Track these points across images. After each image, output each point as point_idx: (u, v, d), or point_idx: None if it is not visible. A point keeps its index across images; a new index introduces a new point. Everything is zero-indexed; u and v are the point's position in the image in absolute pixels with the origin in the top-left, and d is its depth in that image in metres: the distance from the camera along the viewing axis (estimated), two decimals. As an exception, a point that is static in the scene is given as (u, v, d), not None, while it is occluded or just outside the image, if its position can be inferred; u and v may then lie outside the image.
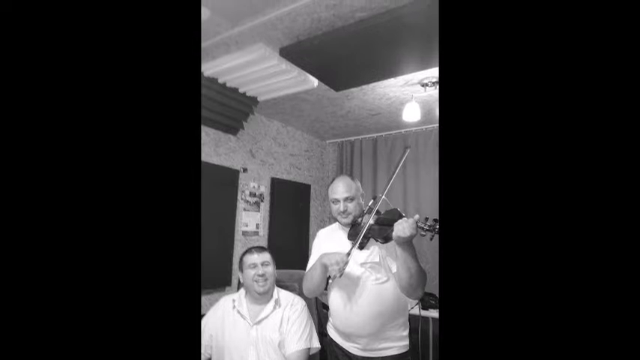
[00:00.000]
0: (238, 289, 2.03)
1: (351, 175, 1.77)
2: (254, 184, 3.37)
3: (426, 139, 3.64)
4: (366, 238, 1.54)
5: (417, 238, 1.34)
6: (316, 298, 2.10)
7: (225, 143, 3.11)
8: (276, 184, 3.61)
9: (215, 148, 3.01)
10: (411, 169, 3.66)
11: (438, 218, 1.27)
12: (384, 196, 1.55)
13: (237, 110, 2.92)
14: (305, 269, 1.74)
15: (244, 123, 3.14)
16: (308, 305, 1.90)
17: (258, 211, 3.40)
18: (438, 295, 3.06)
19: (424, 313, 2.89)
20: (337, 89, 2.65)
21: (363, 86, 2.68)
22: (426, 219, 1.33)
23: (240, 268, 1.89)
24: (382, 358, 1.56)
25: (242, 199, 3.23)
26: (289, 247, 3.66)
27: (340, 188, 1.64)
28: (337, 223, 1.74)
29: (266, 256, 1.87)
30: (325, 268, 1.48)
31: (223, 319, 1.83)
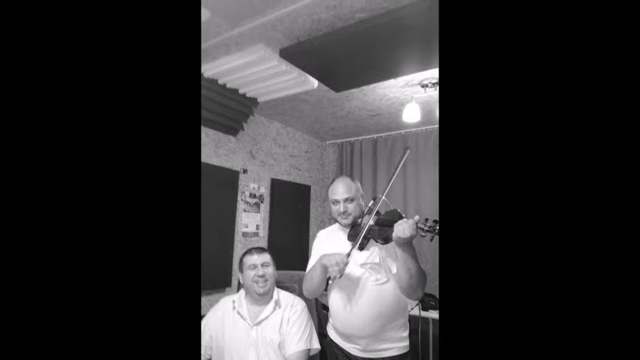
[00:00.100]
0: (238, 290, 2.03)
1: (351, 176, 1.77)
2: (254, 185, 3.37)
3: (426, 140, 3.64)
4: (366, 238, 1.54)
5: (417, 239, 1.34)
6: (316, 299, 2.10)
7: (225, 144, 3.11)
8: (276, 185, 3.60)
9: (215, 149, 3.01)
10: (411, 170, 3.66)
11: (437, 219, 1.27)
12: (384, 197, 1.55)
13: (237, 111, 2.92)
14: (305, 270, 1.74)
15: (244, 124, 3.14)
16: (308, 306, 1.90)
17: (258, 212, 3.40)
18: (438, 296, 3.06)
19: (424, 314, 2.89)
20: (337, 90, 2.65)
21: (363, 87, 2.68)
22: (426, 220, 1.33)
23: (240, 269, 1.89)
24: (382, 359, 1.56)
25: (242, 200, 3.23)
26: (289, 248, 3.66)
27: (340, 189, 1.64)
28: (337, 224, 1.74)
29: (266, 257, 1.87)
30: (325, 269, 1.48)
31: (223, 319, 1.83)
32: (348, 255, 1.45)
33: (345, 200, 1.63)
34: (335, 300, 1.63)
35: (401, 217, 1.39)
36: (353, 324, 1.56)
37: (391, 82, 2.58)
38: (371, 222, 1.51)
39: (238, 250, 3.09)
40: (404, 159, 1.58)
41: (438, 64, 2.11)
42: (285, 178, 3.76)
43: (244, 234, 3.24)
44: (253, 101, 2.87)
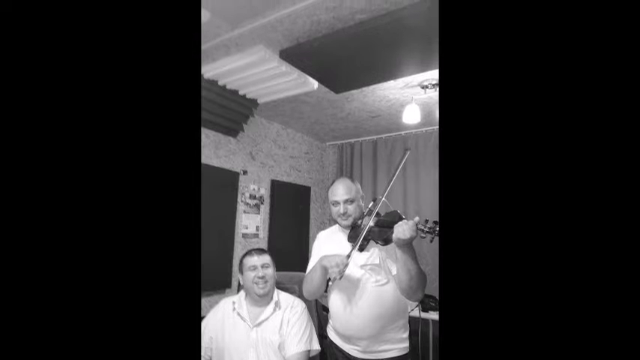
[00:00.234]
0: (238, 291, 2.03)
1: (351, 178, 1.77)
2: (254, 186, 3.37)
3: (426, 141, 3.64)
4: (366, 240, 1.54)
5: (417, 240, 1.34)
6: (316, 300, 2.10)
7: (225, 145, 3.11)
8: (276, 187, 3.60)
9: (215, 150, 3.01)
10: (411, 171, 3.66)
11: (437, 220, 1.27)
12: (384, 198, 1.55)
13: (237, 112, 2.92)
14: (305, 271, 1.74)
15: (244, 125, 3.14)
16: (308, 307, 1.90)
17: (258, 213, 3.40)
18: (437, 297, 3.06)
19: (424, 315, 2.89)
20: (337, 91, 2.65)
21: (363, 88, 2.68)
22: (426, 221, 1.33)
23: (240, 271, 1.89)
24: (382, 360, 1.56)
25: (242, 201, 3.23)
26: (289, 250, 3.66)
27: (340, 190, 1.64)
28: (337, 225, 1.74)
29: (266, 259, 1.86)
30: (325, 270, 1.48)
31: (223, 321, 1.83)
32: (348, 256, 1.45)
33: (345, 201, 1.63)
34: (335, 301, 1.63)
35: (401, 219, 1.39)
36: (353, 325, 1.56)
37: (391, 83, 2.58)
38: (371, 223, 1.51)
39: (238, 251, 3.09)
40: (404, 160, 1.58)
41: (438, 66, 2.11)
42: (285, 179, 3.76)
43: (244, 235, 3.23)
44: (253, 102, 2.88)
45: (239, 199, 3.20)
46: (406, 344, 1.60)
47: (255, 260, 1.84)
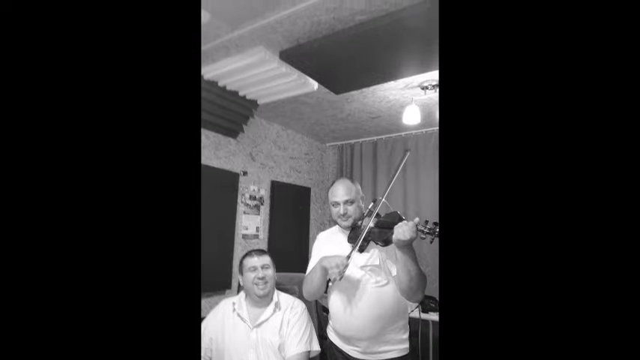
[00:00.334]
0: (238, 292, 2.03)
1: (351, 178, 1.77)
2: (254, 187, 3.37)
3: (426, 142, 3.64)
4: (366, 241, 1.54)
5: (417, 241, 1.34)
6: (316, 301, 2.09)
7: (225, 146, 3.11)
8: (276, 187, 3.60)
9: (215, 151, 3.01)
10: (411, 172, 3.66)
11: (437, 221, 1.27)
12: (384, 199, 1.55)
13: (237, 113, 2.92)
14: (305, 272, 1.74)
15: (244, 126, 3.14)
16: (308, 308, 1.90)
17: (258, 214, 3.40)
18: (438, 298, 3.05)
19: (424, 316, 2.88)
20: (337, 92, 2.65)
21: (363, 89, 2.68)
22: (426, 222, 1.33)
23: (240, 271, 1.89)
24: (382, 361, 1.56)
25: (242, 202, 3.23)
26: (289, 250, 3.66)
27: (340, 191, 1.64)
28: (337, 226, 1.74)
29: (266, 259, 1.86)
30: (325, 271, 1.48)
31: (223, 322, 1.83)
32: (348, 257, 1.45)
33: (345, 202, 1.63)
34: (335, 302, 1.62)
35: (401, 220, 1.39)
36: (353, 326, 1.56)
37: (391, 84, 2.58)
38: (371, 224, 1.51)
39: (238, 252, 3.09)
40: (404, 161, 1.58)
41: (438, 66, 2.11)
42: (285, 180, 3.76)
43: (244, 236, 3.23)
44: (253, 103, 2.88)
45: (239, 200, 3.20)
46: (406, 345, 1.60)
47: (255, 261, 1.84)
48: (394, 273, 1.50)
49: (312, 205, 4.11)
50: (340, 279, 1.43)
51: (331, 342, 1.71)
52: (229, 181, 3.11)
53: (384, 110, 3.15)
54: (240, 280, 1.90)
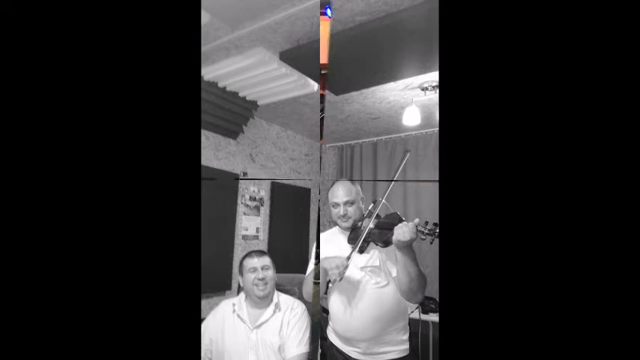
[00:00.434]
0: (238, 293, 2.03)
1: (351, 179, 1.77)
2: (254, 188, 3.37)
3: (425, 143, 3.64)
4: (366, 241, 1.54)
5: (417, 242, 1.34)
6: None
7: (225, 147, 3.11)
8: (276, 188, 3.60)
9: (215, 152, 3.01)
10: (411, 173, 3.66)
11: (437, 222, 1.27)
12: (384, 200, 1.55)
13: (237, 114, 2.92)
14: (305, 273, 1.73)
15: (244, 127, 3.14)
16: (308, 309, 1.89)
17: (258, 215, 3.40)
18: (438, 299, 3.05)
19: (424, 317, 2.88)
20: (337, 93, 2.65)
21: (363, 90, 2.68)
22: (426, 223, 1.33)
23: (240, 272, 1.88)
24: (382, 362, 1.55)
25: (242, 203, 3.23)
26: (289, 251, 3.65)
27: (340, 192, 1.64)
28: (337, 227, 1.74)
29: (266, 260, 1.86)
30: (325, 271, 1.48)
31: (223, 323, 1.83)
32: (348, 258, 1.45)
33: (345, 203, 1.63)
34: (335, 303, 1.62)
35: (401, 220, 1.39)
36: (353, 327, 1.56)
37: (391, 85, 2.59)
38: (371, 225, 1.51)
39: (238, 253, 3.09)
40: (404, 162, 1.58)
41: (437, 67, 2.11)
42: (285, 180, 3.75)
43: (244, 237, 3.23)
44: (253, 104, 2.88)
45: (239, 201, 3.20)
46: (406, 346, 1.60)
47: (255, 262, 1.84)
48: (394, 274, 1.50)
49: (312, 206, 4.11)
50: (340, 280, 1.43)
51: (331, 343, 1.70)
52: (229, 181, 3.11)
53: (384, 111, 3.15)
54: (240, 281, 1.90)
